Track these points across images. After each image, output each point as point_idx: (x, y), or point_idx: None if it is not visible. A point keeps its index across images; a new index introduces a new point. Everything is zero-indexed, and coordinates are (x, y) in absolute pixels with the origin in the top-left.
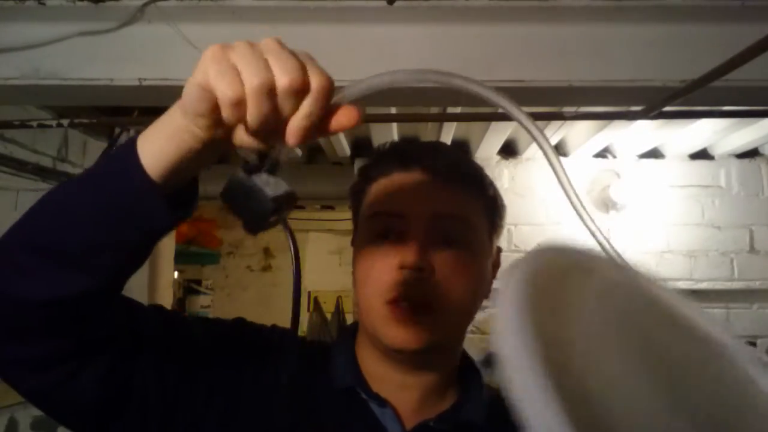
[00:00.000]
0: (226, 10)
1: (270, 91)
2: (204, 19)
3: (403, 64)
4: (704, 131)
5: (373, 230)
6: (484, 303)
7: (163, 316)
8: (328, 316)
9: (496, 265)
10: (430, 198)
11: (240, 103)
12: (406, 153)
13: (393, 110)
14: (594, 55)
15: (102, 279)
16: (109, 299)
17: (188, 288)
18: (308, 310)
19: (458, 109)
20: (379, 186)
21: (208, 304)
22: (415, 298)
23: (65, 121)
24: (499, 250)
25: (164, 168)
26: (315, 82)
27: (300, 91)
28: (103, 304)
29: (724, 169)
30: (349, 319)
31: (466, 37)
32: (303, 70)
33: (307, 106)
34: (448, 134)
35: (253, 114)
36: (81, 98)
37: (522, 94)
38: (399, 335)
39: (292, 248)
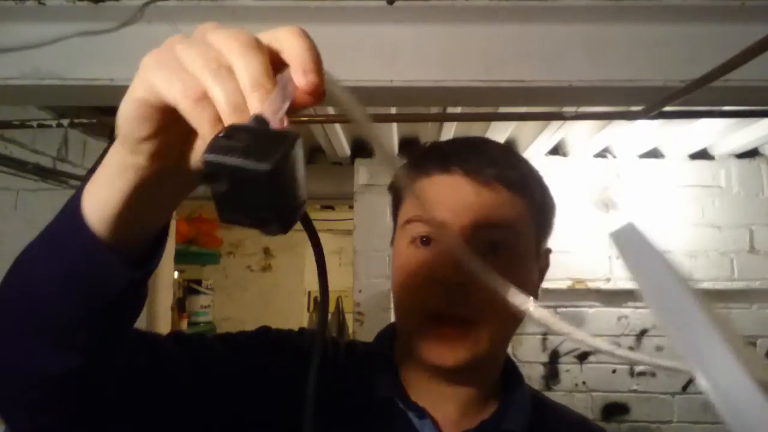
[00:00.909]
0: (226, 10)
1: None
2: (204, 19)
3: (403, 64)
4: (704, 131)
5: (412, 237)
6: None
7: (184, 346)
8: (328, 316)
9: (544, 268)
10: (472, 205)
11: (204, 97)
12: (446, 153)
13: (393, 110)
14: (594, 55)
15: (86, 354)
16: (110, 367)
17: (188, 288)
18: (308, 310)
19: (458, 109)
20: (420, 188)
21: (208, 304)
22: (455, 314)
23: (65, 121)
24: (548, 251)
25: (111, 220)
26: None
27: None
28: (103, 375)
29: (724, 169)
30: (349, 319)
31: (466, 37)
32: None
33: (303, 45)
34: (448, 134)
35: (223, 88)
36: (81, 98)
37: (522, 94)
38: (437, 352)
39: (313, 245)
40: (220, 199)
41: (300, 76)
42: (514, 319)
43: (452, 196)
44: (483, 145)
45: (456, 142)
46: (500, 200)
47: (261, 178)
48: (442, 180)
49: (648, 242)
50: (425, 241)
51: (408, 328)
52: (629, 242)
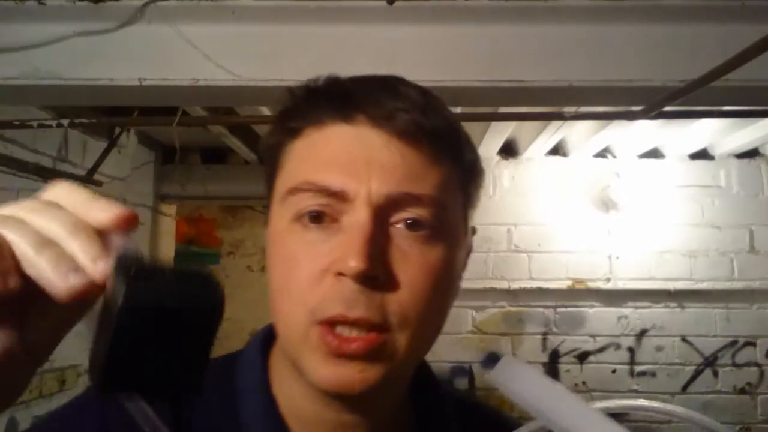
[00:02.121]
0: (226, 10)
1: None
2: (204, 19)
3: (403, 64)
4: (704, 131)
5: (297, 212)
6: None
7: None
8: None
9: (469, 251)
10: (384, 165)
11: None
12: (345, 94)
13: None
14: (594, 55)
15: None
16: None
17: None
18: None
19: (458, 109)
20: (307, 143)
21: None
22: (361, 321)
23: (65, 121)
24: (473, 231)
25: None
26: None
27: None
28: None
29: (724, 169)
30: None
31: (466, 37)
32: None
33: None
34: None
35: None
36: (81, 98)
37: (522, 94)
38: (334, 374)
39: None
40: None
41: (106, 213)
42: (439, 321)
43: (355, 153)
44: (396, 84)
45: (359, 81)
46: (423, 160)
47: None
48: (340, 131)
49: (526, 370)
50: (316, 217)
51: (292, 343)
52: (511, 376)
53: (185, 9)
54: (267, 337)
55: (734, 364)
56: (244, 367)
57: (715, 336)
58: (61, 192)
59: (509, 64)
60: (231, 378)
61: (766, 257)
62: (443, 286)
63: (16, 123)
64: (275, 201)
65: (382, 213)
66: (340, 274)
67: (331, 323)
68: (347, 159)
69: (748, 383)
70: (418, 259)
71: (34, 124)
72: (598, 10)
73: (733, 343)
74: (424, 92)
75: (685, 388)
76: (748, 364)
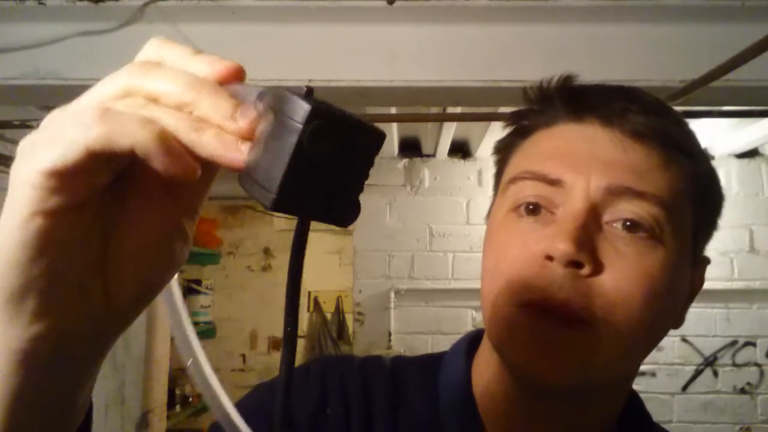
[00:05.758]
0: (226, 10)
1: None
2: (204, 19)
3: (403, 64)
4: (704, 131)
5: (515, 202)
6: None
7: None
8: (328, 316)
9: (698, 283)
10: (608, 161)
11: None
12: (579, 95)
13: (393, 110)
14: (594, 55)
15: None
16: None
17: (188, 288)
18: (308, 310)
19: (458, 109)
20: (536, 142)
21: (209, 304)
22: (565, 306)
23: None
24: (706, 261)
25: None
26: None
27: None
28: None
29: (724, 169)
30: (349, 319)
31: (466, 37)
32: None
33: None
34: (448, 134)
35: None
36: None
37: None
38: (534, 359)
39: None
40: (292, 177)
41: (210, 68)
42: (647, 337)
43: (578, 147)
44: (631, 90)
45: (592, 85)
46: (651, 160)
47: (376, 142)
48: (568, 129)
49: None
50: (532, 210)
51: (495, 326)
52: None
53: (185, 9)
54: (474, 338)
55: (734, 364)
56: (447, 363)
57: (715, 336)
58: (157, 51)
59: (509, 64)
60: (436, 374)
61: (766, 257)
62: (657, 299)
63: (16, 123)
64: (500, 190)
65: (599, 208)
66: (547, 257)
67: (532, 306)
68: (569, 151)
69: (748, 383)
70: (633, 261)
71: (34, 124)
72: (598, 10)
73: (733, 343)
74: (657, 99)
75: (685, 388)
76: (748, 364)
